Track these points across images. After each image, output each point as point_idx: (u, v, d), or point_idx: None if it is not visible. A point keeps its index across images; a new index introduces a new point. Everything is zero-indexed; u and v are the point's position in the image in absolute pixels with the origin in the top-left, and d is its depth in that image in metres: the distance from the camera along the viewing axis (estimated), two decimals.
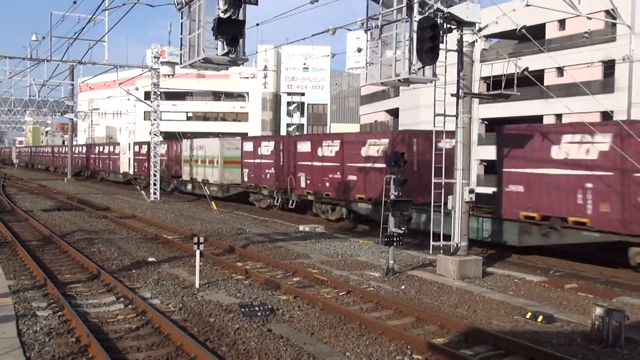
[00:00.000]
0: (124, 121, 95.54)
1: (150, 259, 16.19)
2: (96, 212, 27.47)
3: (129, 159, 48.46)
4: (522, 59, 19.14)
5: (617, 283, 14.84)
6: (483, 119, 47.88)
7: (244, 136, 38.22)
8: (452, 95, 14.97)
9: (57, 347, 8.90)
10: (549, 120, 42.50)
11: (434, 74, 13.49)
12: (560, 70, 40.24)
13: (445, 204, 15.34)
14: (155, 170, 35.82)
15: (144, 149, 45.24)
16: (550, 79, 42.07)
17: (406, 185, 15.18)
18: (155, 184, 35.74)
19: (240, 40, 11.87)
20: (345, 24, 17.42)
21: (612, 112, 26.50)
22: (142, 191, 36.91)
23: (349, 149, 24.51)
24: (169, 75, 36.25)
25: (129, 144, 49.50)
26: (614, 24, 35.96)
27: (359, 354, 9.02)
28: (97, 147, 59.30)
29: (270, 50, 79.22)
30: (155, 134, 36.11)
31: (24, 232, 20.80)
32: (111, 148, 55.05)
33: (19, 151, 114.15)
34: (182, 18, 12.96)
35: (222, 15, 11.51)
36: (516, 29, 14.82)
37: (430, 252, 15.70)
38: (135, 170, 47.49)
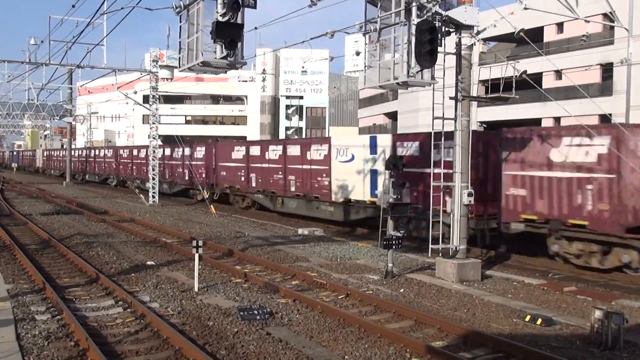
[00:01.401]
0: (122, 125, 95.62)
1: (149, 263, 16.17)
2: (95, 215, 27.44)
3: (361, 174, 23.40)
4: (521, 62, 19.11)
5: (616, 286, 14.84)
6: (481, 122, 47.99)
7: None
8: (450, 98, 14.99)
9: (55, 351, 8.88)
10: (547, 123, 42.60)
11: (433, 77, 13.49)
12: (558, 73, 40.36)
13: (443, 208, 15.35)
14: (154, 174, 35.80)
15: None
16: (548, 82, 42.18)
17: (404, 188, 15.17)
18: (154, 187, 35.71)
19: (239, 44, 11.90)
20: (344, 27, 17.43)
21: (610, 115, 26.54)
22: (141, 194, 36.87)
23: None
24: (167, 79, 36.23)
25: (361, 139, 26.07)
26: (612, 27, 36.10)
27: (357, 357, 9.01)
28: (250, 148, 32.03)
29: (269, 53, 79.34)
30: (154, 138, 36.11)
31: (22, 236, 20.78)
32: (294, 149, 28.19)
33: (47, 154, 79.33)
34: (180, 22, 12.98)
35: (220, 18, 11.53)
36: (514, 32, 14.84)
37: (429, 255, 15.70)
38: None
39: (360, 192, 23.34)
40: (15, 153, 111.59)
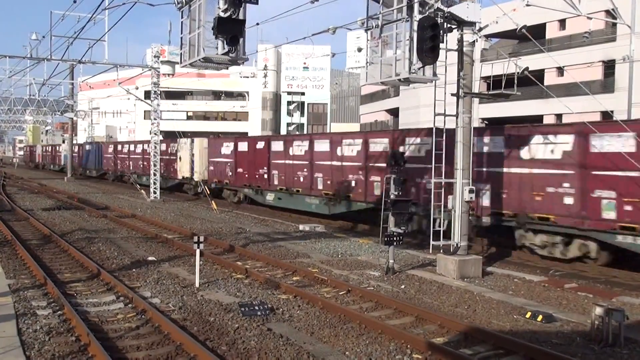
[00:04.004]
0: (124, 120, 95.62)
1: (150, 258, 16.19)
2: (96, 211, 27.46)
3: None
4: (523, 59, 19.11)
5: (616, 283, 14.84)
6: (483, 119, 47.92)
7: None
8: (452, 94, 14.97)
9: (57, 346, 8.90)
10: (549, 120, 42.55)
11: (434, 74, 13.50)
12: (560, 70, 40.29)
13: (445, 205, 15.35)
14: (155, 170, 35.80)
15: None
16: (550, 78, 42.12)
17: (405, 185, 15.17)
18: (155, 183, 35.72)
19: (241, 40, 11.90)
20: (346, 24, 17.41)
21: (612, 112, 26.49)
22: (142, 190, 36.87)
23: None
24: (169, 75, 36.20)
25: None
26: (614, 24, 35.96)
27: (358, 353, 9.02)
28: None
29: (271, 49, 79.27)
30: (155, 134, 36.10)
31: (24, 231, 20.80)
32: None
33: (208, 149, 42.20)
34: (182, 17, 12.98)
35: (222, 14, 11.53)
36: (516, 29, 14.81)
37: (430, 251, 15.70)
38: None
39: None
40: (92, 147, 60.09)
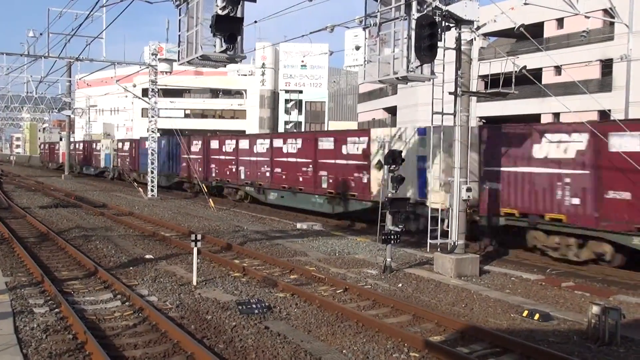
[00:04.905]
0: (121, 118, 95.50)
1: (147, 256, 16.17)
2: (93, 209, 27.41)
3: None
4: (520, 58, 19.13)
5: (613, 282, 14.87)
6: (481, 118, 47.95)
7: None
8: (450, 93, 14.98)
9: (54, 343, 8.89)
10: (546, 119, 42.61)
11: (432, 72, 13.51)
12: (558, 69, 40.32)
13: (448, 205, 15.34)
14: (153, 167, 35.78)
15: None
16: (548, 77, 42.15)
17: (403, 183, 15.15)
18: (152, 181, 35.69)
19: (239, 38, 11.89)
20: (344, 22, 17.41)
21: (609, 110, 26.55)
22: (140, 188, 36.83)
23: None
24: (166, 72, 36.19)
25: None
26: (612, 23, 36.03)
27: (355, 351, 9.02)
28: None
29: (268, 47, 79.29)
30: (152, 131, 36.05)
31: (21, 229, 20.76)
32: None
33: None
34: (180, 15, 12.97)
35: (220, 12, 11.53)
36: (514, 28, 14.83)
37: (428, 250, 15.71)
38: None
39: None
40: (161, 145, 39.25)
